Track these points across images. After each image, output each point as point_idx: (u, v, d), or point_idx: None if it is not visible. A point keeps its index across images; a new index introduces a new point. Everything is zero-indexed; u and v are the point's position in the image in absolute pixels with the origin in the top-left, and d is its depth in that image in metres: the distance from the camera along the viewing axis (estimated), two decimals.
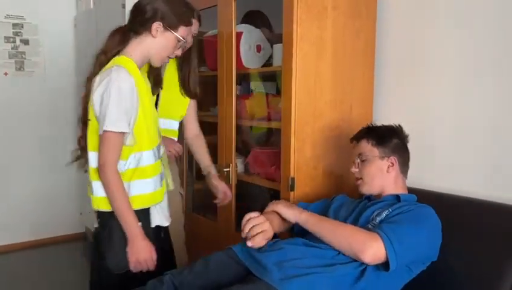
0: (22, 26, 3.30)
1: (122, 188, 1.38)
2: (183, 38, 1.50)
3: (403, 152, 1.53)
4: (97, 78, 1.40)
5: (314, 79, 1.77)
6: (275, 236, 1.44)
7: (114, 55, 1.44)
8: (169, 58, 1.55)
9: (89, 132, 1.43)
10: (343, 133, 1.86)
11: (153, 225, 1.51)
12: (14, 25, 3.27)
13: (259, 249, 1.34)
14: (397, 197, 1.44)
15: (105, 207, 1.42)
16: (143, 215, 1.46)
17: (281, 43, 1.77)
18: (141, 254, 1.39)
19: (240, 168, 2.15)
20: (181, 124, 2.00)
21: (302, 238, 1.40)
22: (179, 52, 1.54)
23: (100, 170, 1.38)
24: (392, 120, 1.63)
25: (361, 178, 1.50)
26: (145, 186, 1.45)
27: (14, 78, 3.30)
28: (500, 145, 1.60)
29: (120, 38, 1.47)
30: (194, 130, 2.01)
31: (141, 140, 1.42)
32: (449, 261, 1.38)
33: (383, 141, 1.49)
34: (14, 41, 3.29)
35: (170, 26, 1.45)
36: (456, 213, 1.49)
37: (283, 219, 1.49)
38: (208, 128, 2.39)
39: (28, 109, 3.35)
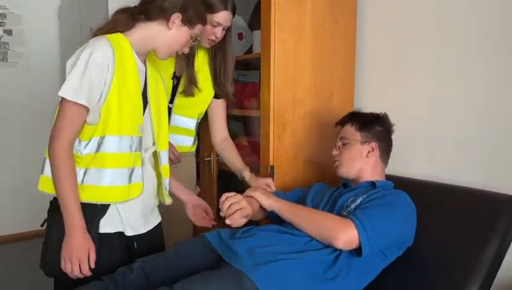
0: (5, 16, 3.26)
1: (69, 167, 1.20)
2: (198, 37, 1.40)
3: (385, 140, 1.51)
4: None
5: (293, 65, 1.74)
6: (251, 222, 1.43)
7: (111, 33, 1.30)
8: (177, 54, 1.43)
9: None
10: (323, 120, 1.84)
11: (113, 231, 1.32)
12: None
13: (232, 237, 1.33)
14: (373, 184, 1.43)
15: (49, 190, 1.25)
16: (92, 212, 1.27)
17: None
18: (75, 251, 1.20)
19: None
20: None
21: (278, 225, 1.39)
22: (186, 50, 1.42)
23: (50, 141, 1.21)
24: (372, 107, 1.62)
25: (340, 160, 1.50)
26: (100, 177, 1.25)
27: None
28: (476, 133, 1.59)
29: (126, 20, 1.32)
30: (222, 134, 1.84)
31: (107, 121, 1.25)
32: (425, 247, 1.36)
33: (366, 126, 1.49)
34: None
35: (189, 21, 1.34)
36: (433, 199, 1.48)
37: (261, 206, 1.47)
38: None
39: (11, 99, 3.30)
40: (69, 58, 1.26)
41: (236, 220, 1.35)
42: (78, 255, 1.20)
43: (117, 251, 1.34)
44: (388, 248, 1.30)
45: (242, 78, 2.33)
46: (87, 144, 1.25)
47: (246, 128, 2.33)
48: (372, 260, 1.28)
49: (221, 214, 1.37)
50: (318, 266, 1.22)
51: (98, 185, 1.26)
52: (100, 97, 1.24)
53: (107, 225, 1.30)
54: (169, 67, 1.72)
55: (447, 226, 1.39)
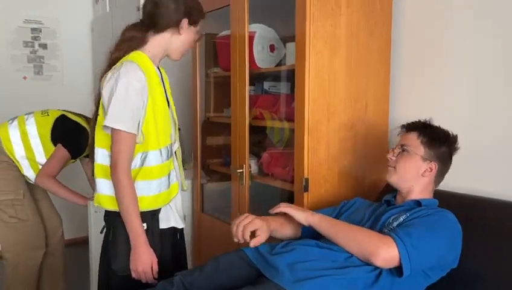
0: (40, 31, 3.36)
1: (131, 193, 1.34)
2: (201, 32, 1.51)
3: (446, 163, 1.44)
4: (108, 74, 1.36)
5: (328, 77, 1.73)
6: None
7: (129, 52, 1.40)
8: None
9: (96, 127, 1.40)
10: (358, 132, 1.82)
11: (166, 226, 1.48)
12: (33, 29, 3.33)
13: (271, 252, 1.31)
14: (418, 203, 1.38)
15: (110, 206, 1.39)
16: (151, 216, 1.41)
17: (294, 41, 1.74)
18: (141, 264, 1.36)
19: (254, 169, 2.13)
20: None
21: (315, 239, 1.37)
22: (193, 45, 1.54)
23: (112, 170, 1.34)
24: (408, 118, 1.58)
25: (394, 167, 1.43)
26: (149, 188, 1.40)
27: (33, 82, 3.36)
28: None
29: (138, 38, 1.42)
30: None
31: (148, 139, 1.37)
32: (470, 266, 1.31)
33: (433, 144, 1.40)
34: (33, 46, 3.35)
35: (194, 21, 1.46)
36: (477, 214, 1.43)
37: (291, 223, 1.46)
38: (222, 129, 2.38)
39: None
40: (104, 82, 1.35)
41: (258, 241, 1.35)
42: (143, 268, 1.36)
43: (175, 243, 1.53)
44: (431, 269, 1.26)
45: (273, 90, 2.33)
46: (133, 162, 1.37)
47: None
48: (413, 279, 1.24)
49: (235, 240, 1.38)
50: (359, 283, 1.19)
51: (148, 196, 1.40)
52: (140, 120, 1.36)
53: (163, 222, 1.46)
54: None
55: (493, 244, 1.34)
